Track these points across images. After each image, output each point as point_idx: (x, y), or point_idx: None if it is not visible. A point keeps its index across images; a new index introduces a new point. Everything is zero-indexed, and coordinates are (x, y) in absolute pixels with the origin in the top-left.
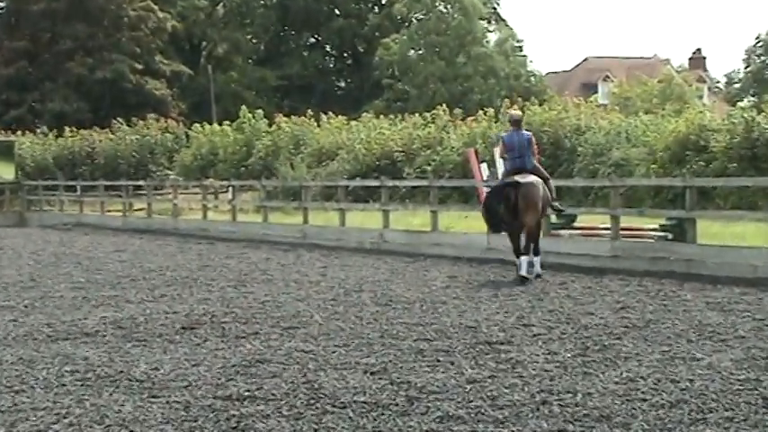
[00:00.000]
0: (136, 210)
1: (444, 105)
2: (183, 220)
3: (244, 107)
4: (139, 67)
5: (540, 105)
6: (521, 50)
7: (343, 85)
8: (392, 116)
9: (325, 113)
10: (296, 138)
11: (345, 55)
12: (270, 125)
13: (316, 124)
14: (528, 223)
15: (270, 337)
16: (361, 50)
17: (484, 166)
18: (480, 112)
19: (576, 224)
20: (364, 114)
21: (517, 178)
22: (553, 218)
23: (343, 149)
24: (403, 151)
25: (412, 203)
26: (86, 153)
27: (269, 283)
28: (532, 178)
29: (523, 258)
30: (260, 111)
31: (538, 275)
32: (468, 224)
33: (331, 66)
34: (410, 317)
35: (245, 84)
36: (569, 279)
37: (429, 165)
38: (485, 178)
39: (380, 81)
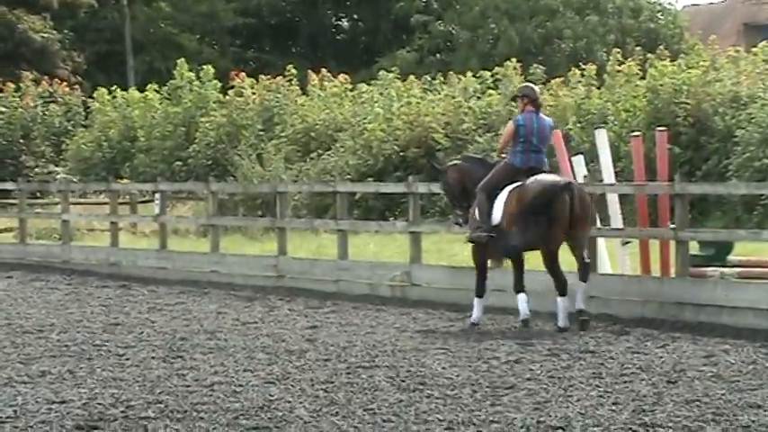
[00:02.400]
0: (0, 231)
1: (515, 59)
2: (79, 248)
3: (181, 60)
4: None
5: (674, 60)
6: None
7: (345, 24)
8: (427, 76)
9: (317, 72)
10: (267, 111)
11: None
12: (225, 90)
13: (300, 90)
14: (582, 242)
15: None
16: None
17: (578, 160)
18: (574, 69)
19: (732, 258)
20: (381, 73)
21: (555, 177)
22: (695, 248)
23: (347, 131)
24: (446, 134)
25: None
26: None
27: (221, 353)
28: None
29: (560, 300)
30: (208, 67)
31: (583, 315)
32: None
33: None
34: (455, 410)
35: (181, 22)
36: (719, 348)
37: (489, 157)
38: (579, 179)
39: (408, 18)
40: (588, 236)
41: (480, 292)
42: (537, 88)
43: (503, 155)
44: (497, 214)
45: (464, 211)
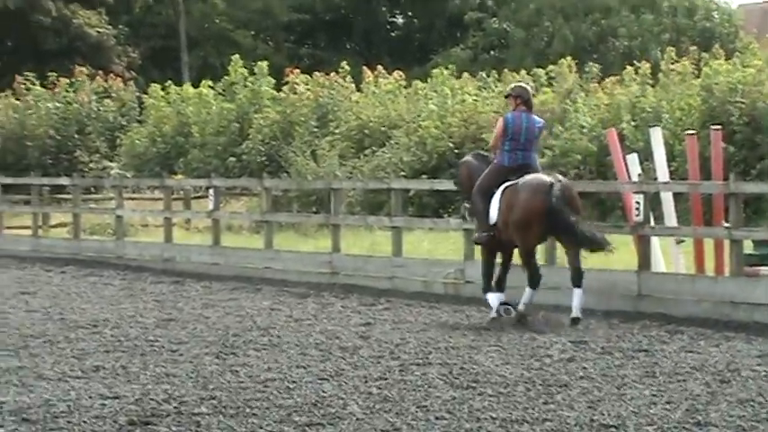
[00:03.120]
0: (54, 225)
1: (569, 57)
2: (133, 244)
3: (235, 57)
4: None
5: (728, 59)
6: None
7: (400, 21)
8: (482, 74)
9: (372, 68)
10: (322, 108)
11: None
12: (279, 87)
13: (354, 86)
14: (573, 236)
15: None
16: None
17: (632, 158)
18: (629, 68)
19: None
20: (436, 71)
21: (542, 176)
22: (749, 247)
23: (401, 128)
24: None
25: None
26: None
27: (274, 349)
28: (563, 179)
29: (529, 291)
30: (263, 63)
31: (577, 319)
32: (606, 256)
33: None
34: (509, 408)
35: (236, 18)
36: None
37: (543, 155)
38: (633, 178)
39: (462, 15)
40: (576, 232)
41: (490, 288)
42: (529, 88)
43: (495, 153)
44: (494, 213)
45: (472, 203)
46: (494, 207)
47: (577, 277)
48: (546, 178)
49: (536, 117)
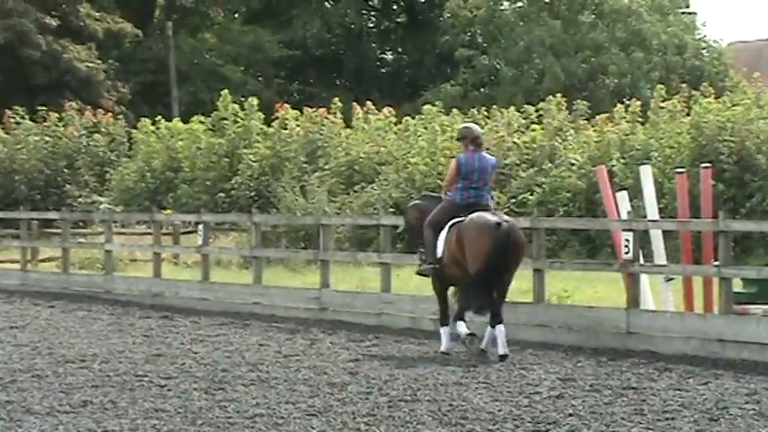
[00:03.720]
0: (43, 260)
1: (559, 94)
2: (122, 279)
3: (224, 92)
4: (53, 23)
5: (718, 97)
6: (686, 6)
7: (390, 57)
8: (472, 110)
9: (361, 105)
10: (311, 143)
11: (395, 8)
12: (269, 122)
13: (344, 122)
14: (509, 280)
15: None
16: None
17: (622, 196)
18: (619, 105)
19: None
20: (426, 107)
21: (489, 216)
22: (738, 286)
23: (391, 165)
24: None
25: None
26: None
27: (263, 384)
28: (510, 220)
29: (461, 325)
30: (253, 99)
31: (504, 355)
32: (595, 293)
33: (371, 25)
34: None
35: (226, 53)
36: (762, 386)
37: (532, 192)
38: (623, 216)
39: (452, 52)
40: (512, 277)
41: (444, 321)
42: (477, 128)
43: (448, 193)
44: (441, 248)
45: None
46: (441, 241)
47: (493, 314)
48: (491, 218)
49: (488, 155)
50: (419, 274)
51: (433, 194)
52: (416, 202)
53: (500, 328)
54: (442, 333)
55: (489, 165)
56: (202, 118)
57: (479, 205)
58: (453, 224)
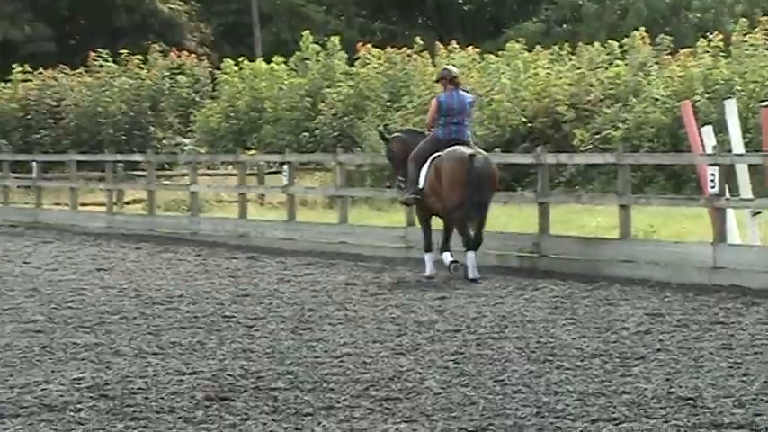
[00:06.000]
0: (129, 202)
1: (642, 30)
2: (208, 220)
3: (306, 33)
4: None
5: None
6: None
7: None
8: (555, 47)
9: (444, 43)
10: (394, 82)
11: None
12: (351, 61)
13: (429, 60)
14: (485, 208)
15: (353, 415)
16: None
17: (707, 131)
18: (701, 40)
19: None
20: (508, 44)
21: (464, 149)
22: None
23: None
24: (572, 105)
25: (587, 192)
26: (47, 108)
27: (350, 324)
28: (484, 153)
29: (470, 254)
30: (334, 38)
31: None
32: (681, 228)
33: None
34: (586, 381)
35: None
36: None
37: (616, 128)
38: (708, 150)
39: None
40: (488, 206)
41: (428, 248)
42: (454, 69)
43: (431, 129)
44: (422, 179)
45: (405, 176)
46: (423, 174)
47: (475, 244)
48: (466, 150)
49: (466, 93)
50: (402, 203)
51: (415, 129)
52: (399, 134)
53: (470, 255)
54: (426, 259)
55: (467, 102)
56: (284, 58)
57: (460, 140)
58: (434, 158)
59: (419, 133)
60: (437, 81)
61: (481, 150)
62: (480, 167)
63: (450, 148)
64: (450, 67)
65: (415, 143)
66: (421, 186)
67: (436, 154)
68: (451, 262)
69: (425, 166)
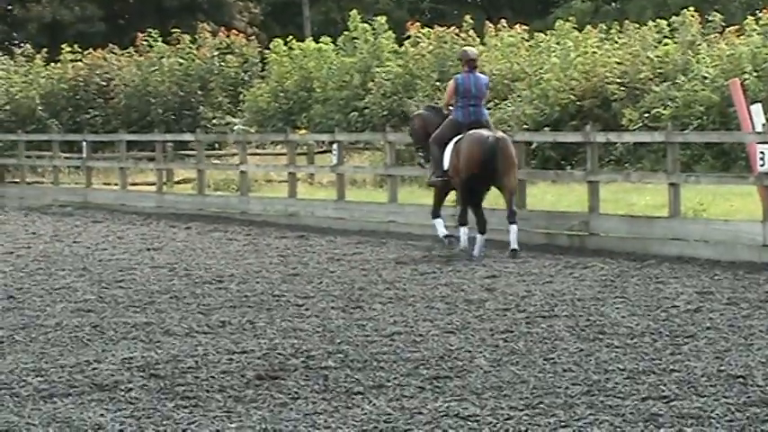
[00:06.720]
0: (179, 182)
1: (691, 8)
2: (257, 199)
3: (354, 12)
4: None
5: None
6: None
7: None
8: (604, 26)
9: (494, 22)
10: (443, 62)
11: None
12: (400, 42)
13: (477, 39)
14: (511, 185)
15: (403, 394)
16: None
17: (756, 109)
18: (750, 18)
19: None
20: (557, 23)
21: (484, 132)
22: None
23: (524, 81)
24: (622, 84)
25: (636, 171)
26: (97, 88)
27: (400, 302)
28: (503, 135)
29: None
30: (382, 18)
31: (514, 250)
32: (730, 206)
33: None
34: (636, 359)
35: None
36: None
37: (665, 107)
38: (757, 128)
39: None
40: (514, 183)
41: (437, 213)
42: (472, 50)
43: (449, 107)
44: (447, 161)
45: (426, 152)
46: (447, 156)
47: (512, 216)
48: (486, 133)
49: (482, 75)
50: (430, 185)
51: (436, 106)
52: (420, 112)
53: (513, 227)
54: (435, 224)
55: (483, 83)
56: (333, 37)
57: (479, 122)
58: (457, 140)
59: (438, 110)
60: (459, 59)
61: (500, 132)
62: (497, 148)
63: (472, 131)
64: (470, 49)
65: (435, 120)
66: (446, 168)
67: (459, 137)
68: (446, 236)
69: (448, 150)
